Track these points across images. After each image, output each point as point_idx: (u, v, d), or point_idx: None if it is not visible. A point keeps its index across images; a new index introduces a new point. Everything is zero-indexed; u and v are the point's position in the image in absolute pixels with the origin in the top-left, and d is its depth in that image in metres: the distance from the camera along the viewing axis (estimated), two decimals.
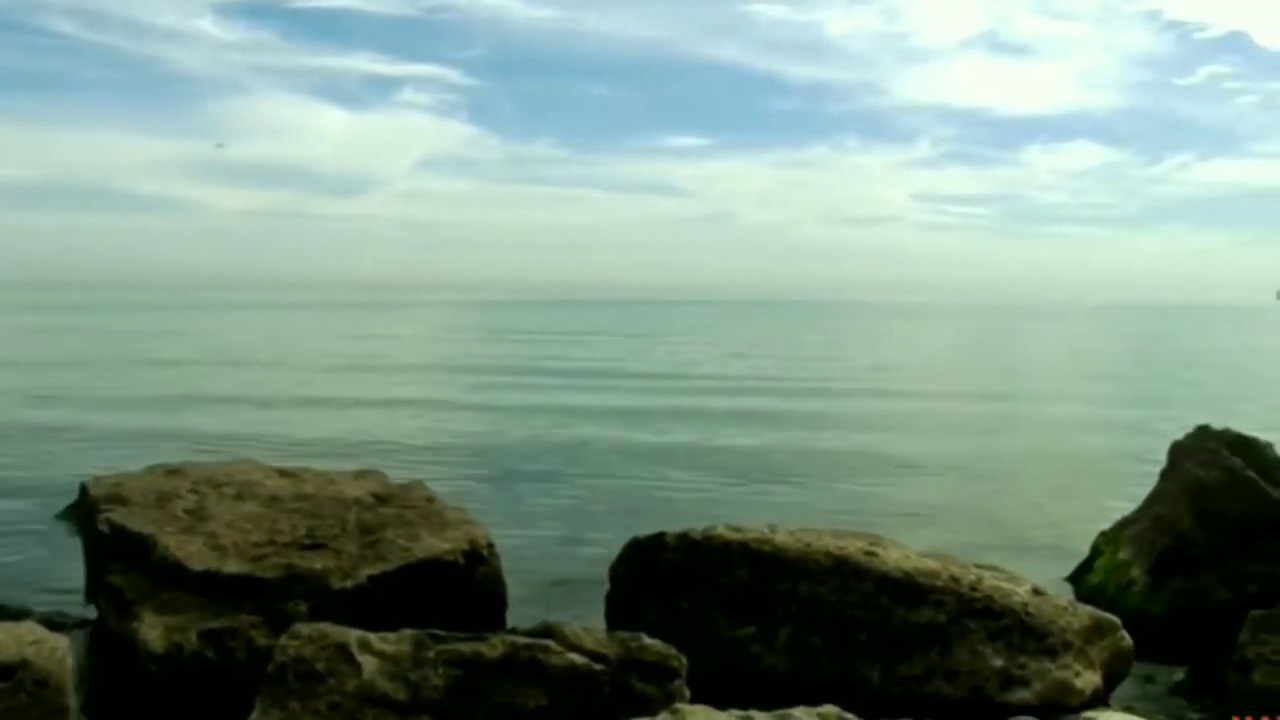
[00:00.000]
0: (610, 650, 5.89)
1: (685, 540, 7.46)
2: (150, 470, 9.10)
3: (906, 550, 7.45)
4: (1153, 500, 9.95)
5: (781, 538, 7.33)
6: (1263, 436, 9.94)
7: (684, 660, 5.96)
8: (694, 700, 5.79)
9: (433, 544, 7.68)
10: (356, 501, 8.28)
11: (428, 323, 78.63)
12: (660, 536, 7.59)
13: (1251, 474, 9.13)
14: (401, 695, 5.60)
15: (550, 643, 5.86)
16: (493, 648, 5.80)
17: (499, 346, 50.62)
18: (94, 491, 8.41)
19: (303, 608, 6.92)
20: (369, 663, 5.70)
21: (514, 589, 8.36)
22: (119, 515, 7.86)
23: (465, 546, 7.76)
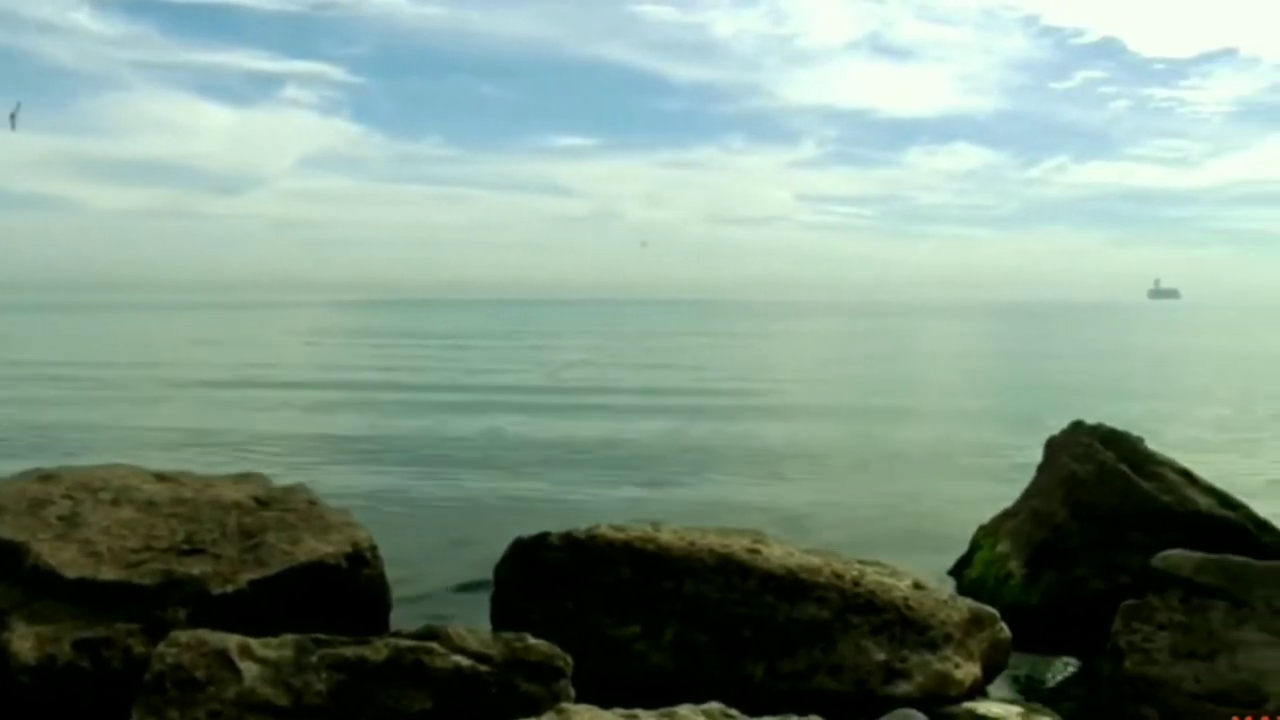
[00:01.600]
0: (495, 651, 5.88)
1: (569, 540, 7.47)
2: (22, 476, 8.85)
3: (790, 547, 7.53)
4: (1030, 494, 10.15)
5: (665, 536, 7.37)
6: (1135, 430, 10.20)
7: (569, 660, 5.97)
8: (579, 700, 5.80)
9: (315, 547, 7.59)
10: (236, 505, 8.14)
11: (309, 323, 77.57)
12: (544, 536, 7.58)
13: (1123, 467, 9.36)
14: (284, 701, 5.54)
15: (435, 645, 5.83)
16: (376, 651, 5.76)
17: (380, 351, 49.87)
18: None
19: (181, 614, 6.80)
20: (250, 669, 5.62)
21: (398, 591, 8.30)
22: None
23: (348, 549, 7.68)
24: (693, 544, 7.28)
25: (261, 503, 8.30)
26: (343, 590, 7.55)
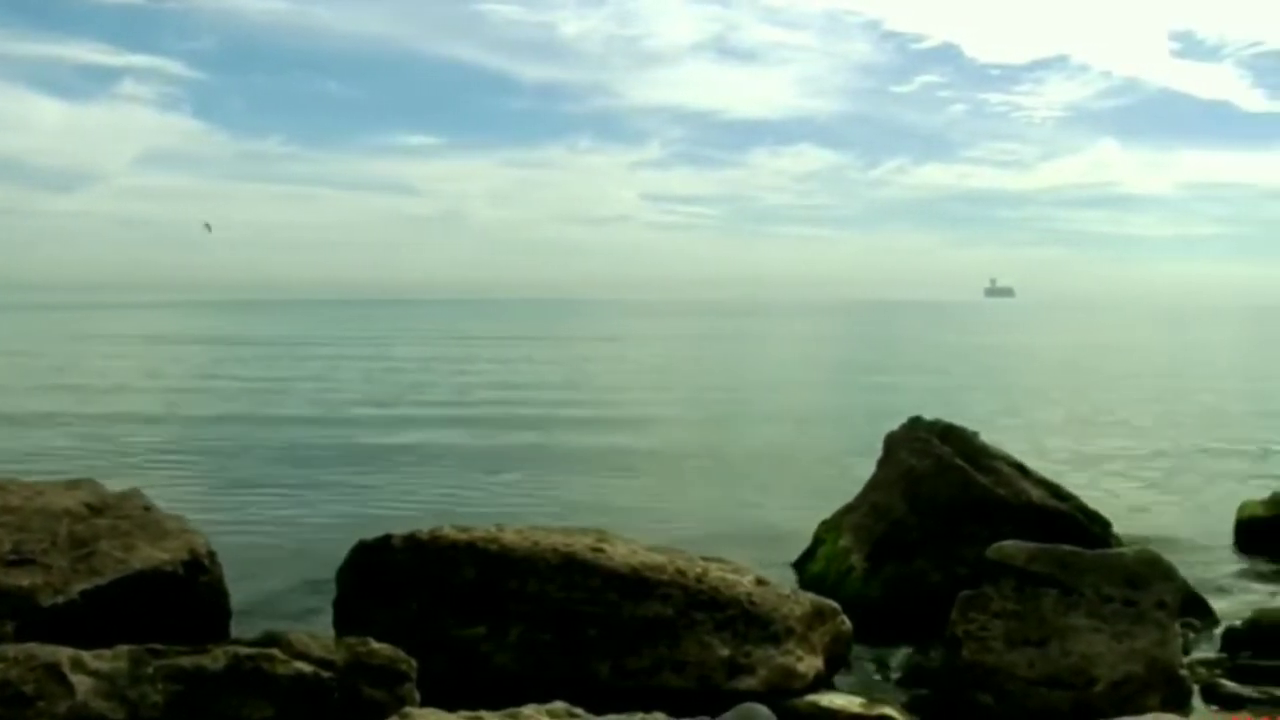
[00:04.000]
0: (338, 656, 5.81)
1: (412, 541, 7.41)
2: None
3: (633, 546, 7.55)
4: (870, 489, 10.33)
5: (509, 536, 7.35)
6: (970, 425, 10.46)
7: (413, 663, 5.92)
8: (425, 703, 5.76)
9: (150, 554, 7.42)
10: (67, 513, 7.89)
11: (145, 325, 75.36)
12: (386, 539, 7.51)
13: (960, 462, 9.59)
14: (119, 715, 5.40)
15: (275, 651, 5.73)
16: (215, 659, 5.64)
17: (216, 359, 48.35)
18: None
19: (9, 628, 6.59)
20: (83, 682, 5.46)
21: (239, 598, 8.17)
22: None
23: (185, 556, 7.53)
24: (536, 544, 7.27)
25: (94, 510, 8.07)
26: (180, 598, 7.40)
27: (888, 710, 6.86)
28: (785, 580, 8.38)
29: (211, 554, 7.78)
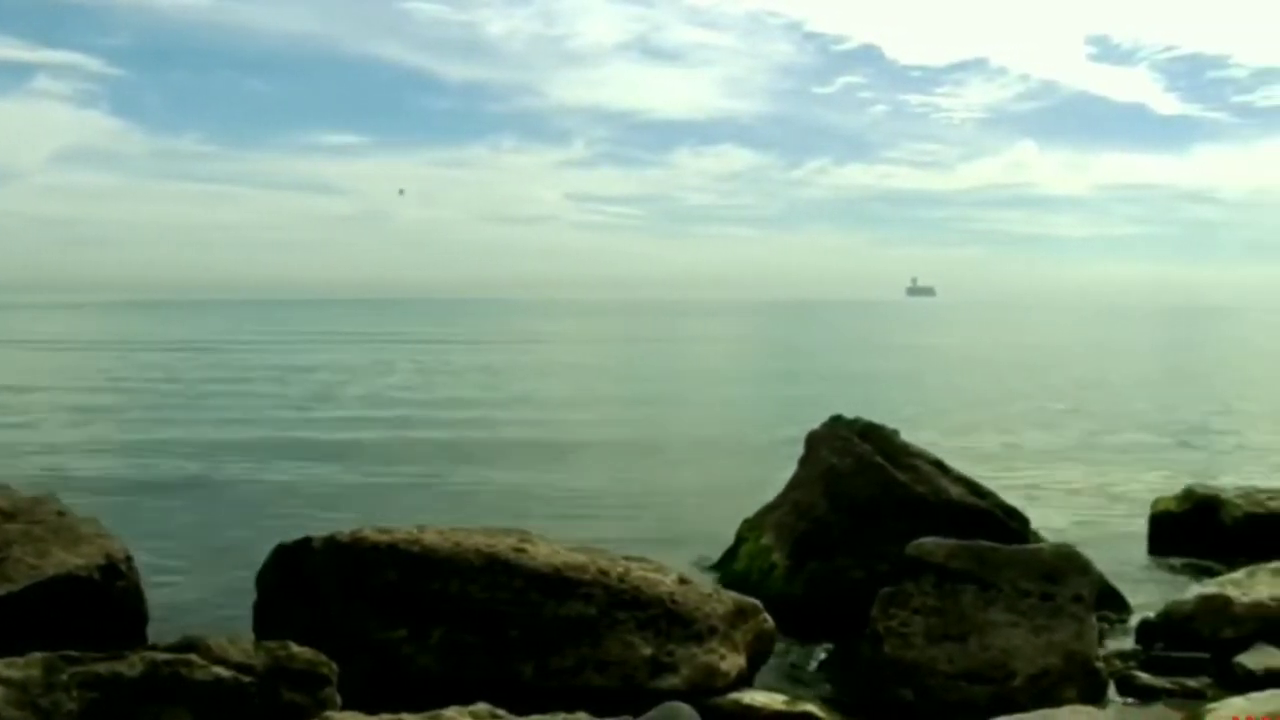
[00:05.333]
0: (257, 661, 5.76)
1: (332, 544, 7.33)
2: None
3: (556, 546, 7.53)
4: (792, 487, 10.38)
5: (430, 537, 7.30)
6: (891, 424, 10.55)
7: (334, 666, 5.89)
8: (346, 706, 5.74)
9: (64, 560, 7.31)
10: None
11: (60, 327, 74.10)
12: (306, 541, 7.44)
13: (879, 460, 9.67)
14: None
15: (193, 657, 5.68)
16: (131, 666, 5.58)
17: (132, 361, 47.69)
18: None
19: None
20: None
21: (156, 602, 8.05)
22: None
23: (101, 561, 7.42)
24: (458, 544, 7.23)
25: (6, 515, 7.92)
26: (95, 604, 7.28)
27: (810, 707, 6.91)
28: (708, 579, 8.39)
29: (128, 558, 7.67)
